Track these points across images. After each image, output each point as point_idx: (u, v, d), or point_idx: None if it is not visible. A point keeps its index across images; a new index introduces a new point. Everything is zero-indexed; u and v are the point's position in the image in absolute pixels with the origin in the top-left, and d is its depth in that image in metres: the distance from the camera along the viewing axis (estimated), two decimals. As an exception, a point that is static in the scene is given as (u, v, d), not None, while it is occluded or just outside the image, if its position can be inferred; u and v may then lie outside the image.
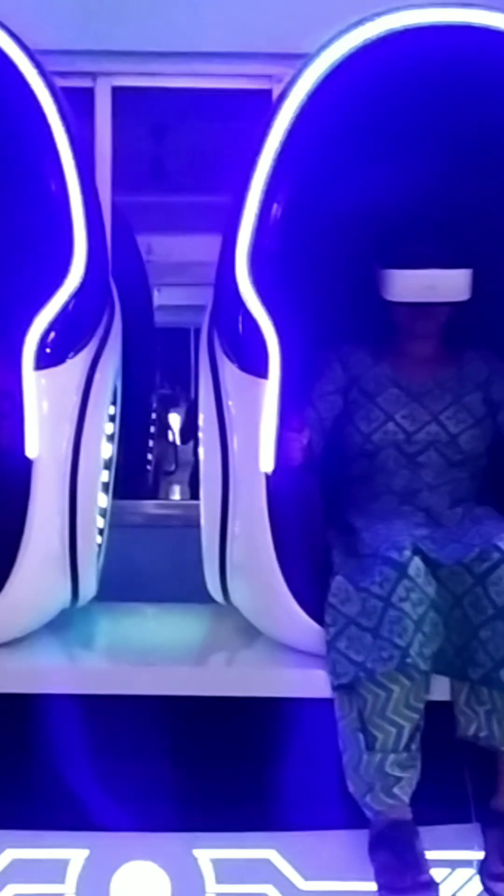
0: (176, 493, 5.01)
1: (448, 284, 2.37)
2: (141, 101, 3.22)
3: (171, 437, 5.58)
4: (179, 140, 3.97)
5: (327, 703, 2.19)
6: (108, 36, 2.97)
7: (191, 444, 5.29)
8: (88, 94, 3.06)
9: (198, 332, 2.88)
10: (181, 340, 5.56)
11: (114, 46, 3.00)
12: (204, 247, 3.18)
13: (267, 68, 2.99)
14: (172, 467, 5.42)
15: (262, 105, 3.03)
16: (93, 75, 3.04)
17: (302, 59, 2.34)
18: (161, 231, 4.28)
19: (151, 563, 2.82)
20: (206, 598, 2.51)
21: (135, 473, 3.54)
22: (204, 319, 2.48)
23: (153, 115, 3.73)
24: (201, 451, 2.39)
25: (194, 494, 2.92)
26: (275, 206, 2.32)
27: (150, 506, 3.24)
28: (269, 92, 3.01)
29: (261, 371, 2.19)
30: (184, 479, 5.04)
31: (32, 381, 2.17)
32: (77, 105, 2.58)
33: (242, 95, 3.10)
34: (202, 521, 2.38)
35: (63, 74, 2.77)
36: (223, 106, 3.21)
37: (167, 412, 5.41)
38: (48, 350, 2.20)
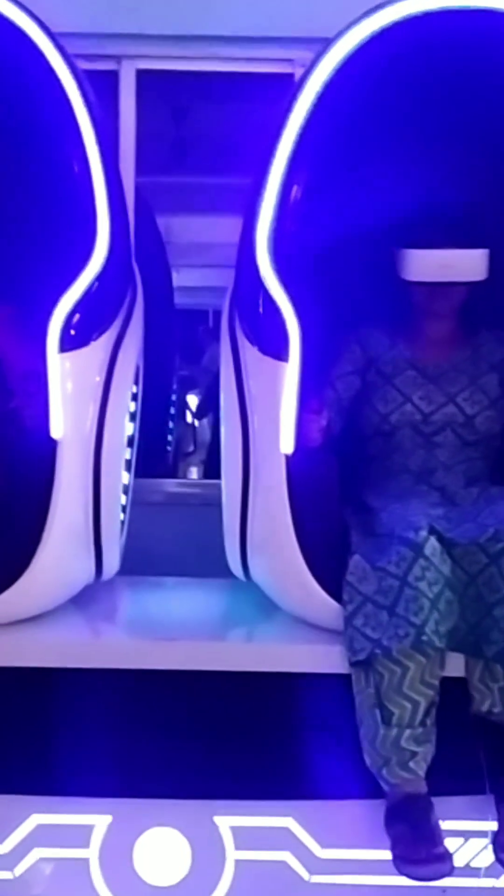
0: (194, 474, 5.07)
1: (464, 264, 2.40)
2: (164, 83, 3.25)
3: (189, 419, 5.63)
4: (200, 122, 3.99)
5: (344, 678, 2.24)
6: (133, 19, 3.00)
7: (206, 424, 5.35)
8: (113, 76, 3.09)
9: (217, 313, 2.92)
10: (199, 322, 5.60)
11: (138, 30, 3.03)
12: (222, 228, 3.22)
13: (288, 52, 3.02)
14: (191, 448, 5.47)
15: (283, 88, 3.07)
16: (117, 58, 3.07)
17: (323, 43, 2.37)
18: (180, 212, 4.31)
19: (170, 540, 2.87)
20: (224, 575, 2.56)
21: (155, 453, 3.59)
22: (224, 302, 2.52)
23: (175, 97, 3.76)
24: (222, 431, 2.44)
25: (210, 475, 2.95)
26: (294, 188, 2.35)
27: (170, 484, 3.29)
28: (290, 76, 3.04)
29: (281, 354, 2.23)
30: (202, 459, 5.10)
31: (57, 363, 2.21)
32: (102, 88, 2.62)
33: (264, 79, 3.13)
34: (223, 500, 2.43)
35: (88, 57, 2.82)
36: (245, 89, 3.24)
37: (185, 393, 5.45)
38: (72, 332, 2.24)
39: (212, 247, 3.33)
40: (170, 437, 4.06)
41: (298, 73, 3.05)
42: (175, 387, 4.21)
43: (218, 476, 2.52)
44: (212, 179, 4.07)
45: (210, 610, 2.60)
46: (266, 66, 3.09)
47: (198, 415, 5.59)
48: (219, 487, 2.69)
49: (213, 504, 2.54)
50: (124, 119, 3.07)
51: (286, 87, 2.98)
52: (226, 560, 2.52)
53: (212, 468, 3.71)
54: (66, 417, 2.23)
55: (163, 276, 3.50)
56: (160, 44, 3.05)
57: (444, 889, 2.28)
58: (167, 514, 2.99)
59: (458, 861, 2.25)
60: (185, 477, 4.83)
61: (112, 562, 2.44)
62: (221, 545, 2.51)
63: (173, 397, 4.16)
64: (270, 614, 2.47)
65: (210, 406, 5.15)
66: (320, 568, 2.27)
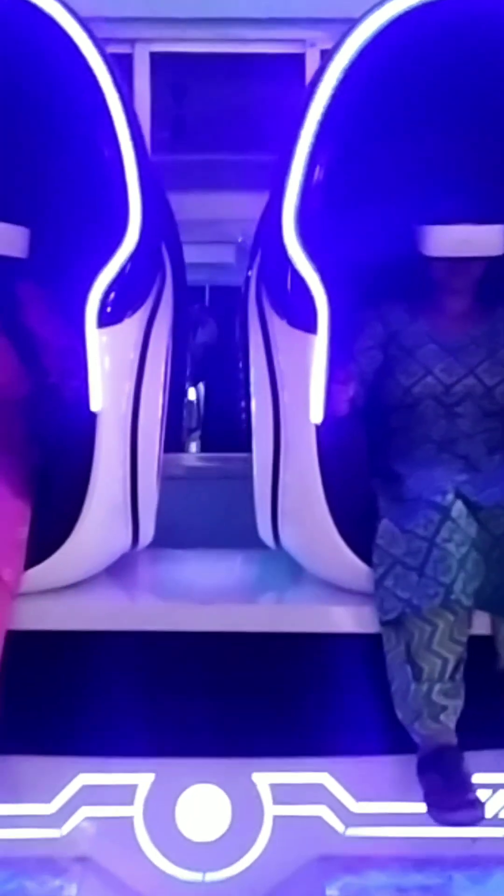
0: (193, 448, 5.13)
1: (483, 239, 2.48)
2: (169, 62, 3.30)
3: (192, 395, 5.69)
4: (200, 100, 4.02)
5: (374, 638, 2.33)
6: (146, 3, 3.07)
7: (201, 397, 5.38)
8: (127, 59, 3.15)
9: (213, 289, 2.98)
10: (196, 299, 5.63)
11: (152, 13, 3.09)
12: (219, 204, 3.27)
13: (300, 33, 3.08)
14: (194, 423, 5.54)
15: (295, 69, 3.14)
16: (132, 42, 3.13)
17: (335, 25, 2.44)
18: (176, 189, 4.34)
19: (192, 514, 2.93)
20: (246, 546, 2.63)
21: (172, 428, 3.66)
22: (249, 279, 2.58)
23: (177, 75, 3.77)
24: (253, 403, 2.52)
25: (207, 448, 2.99)
26: (318, 168, 2.42)
27: (190, 458, 3.36)
28: (302, 56, 3.10)
29: (310, 326, 2.31)
30: (200, 434, 5.14)
31: (95, 339, 2.29)
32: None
33: (276, 59, 3.19)
34: (254, 470, 2.52)
35: (103, 41, 2.89)
36: (256, 69, 3.30)
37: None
38: (108, 310, 2.32)
39: (209, 223, 3.39)
40: (184, 414, 4.13)
41: (310, 53, 3.13)
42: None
43: (212, 449, 2.58)
44: (209, 156, 4.11)
45: (240, 577, 2.69)
46: (278, 47, 3.15)
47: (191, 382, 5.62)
48: (239, 461, 2.77)
49: (234, 477, 2.63)
50: (139, 101, 3.14)
51: (298, 68, 3.07)
52: (247, 531, 2.60)
53: (206, 442, 3.74)
54: (104, 391, 2.31)
55: (175, 253, 3.56)
56: (173, 27, 3.12)
57: (473, 839, 2.37)
58: (188, 488, 3.04)
59: (488, 812, 2.31)
60: (186, 451, 4.89)
61: (147, 531, 2.53)
62: (242, 517, 2.60)
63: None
64: (299, 580, 2.56)
65: (198, 376, 5.19)
66: (350, 532, 2.35)
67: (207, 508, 2.97)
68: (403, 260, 2.59)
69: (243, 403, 3.31)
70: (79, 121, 2.41)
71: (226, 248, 3.62)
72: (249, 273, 3.09)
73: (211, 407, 3.75)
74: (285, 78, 3.25)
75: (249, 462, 2.86)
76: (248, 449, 3.03)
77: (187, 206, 2.96)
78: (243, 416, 3.31)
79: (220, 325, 3.60)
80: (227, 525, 2.78)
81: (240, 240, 3.61)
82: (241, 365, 3.42)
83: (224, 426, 3.36)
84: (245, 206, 3.41)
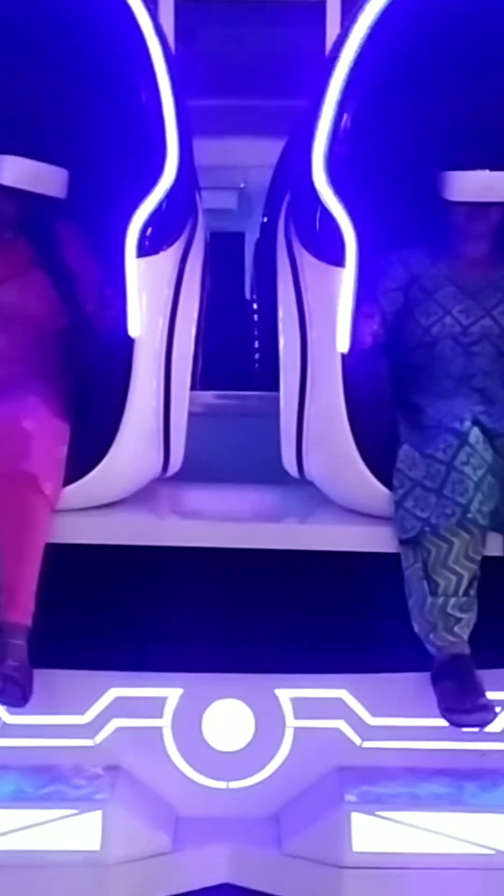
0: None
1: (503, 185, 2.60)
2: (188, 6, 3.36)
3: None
4: (215, 46, 4.01)
5: (392, 557, 2.44)
6: None
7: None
8: (153, 4, 3.24)
9: (214, 234, 3.03)
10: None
11: None
12: (222, 150, 3.32)
13: None
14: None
15: (313, 16, 3.22)
16: None
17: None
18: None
19: (210, 450, 2.94)
20: (264, 482, 2.71)
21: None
22: (266, 225, 2.66)
23: (194, 19, 3.82)
24: (280, 338, 2.64)
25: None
26: (345, 115, 2.54)
27: (208, 396, 3.38)
28: (322, 4, 3.19)
29: (338, 260, 2.43)
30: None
31: (134, 267, 2.42)
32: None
33: (295, 6, 3.26)
34: (281, 401, 2.63)
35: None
36: (274, 16, 3.36)
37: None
38: (147, 242, 2.45)
39: (212, 169, 3.42)
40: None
41: (330, 1, 3.23)
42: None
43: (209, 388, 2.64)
44: (215, 102, 4.12)
45: (264, 503, 2.79)
46: None
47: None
48: (256, 399, 2.85)
49: (251, 415, 2.70)
50: None
51: (316, 15, 3.15)
52: (265, 467, 2.70)
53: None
54: (141, 318, 2.43)
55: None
56: None
57: (482, 752, 2.49)
58: (207, 424, 3.02)
59: (497, 727, 2.44)
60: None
61: (177, 458, 2.65)
62: (260, 454, 2.69)
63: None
64: (321, 507, 2.65)
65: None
66: (373, 458, 2.47)
67: (224, 445, 3.01)
68: (426, 205, 2.70)
69: (256, 344, 3.41)
70: (120, 62, 2.52)
71: (228, 193, 3.69)
72: (264, 219, 3.21)
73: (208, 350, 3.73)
74: (303, 25, 3.31)
75: (264, 400, 2.97)
76: (255, 388, 3.12)
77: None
78: (256, 356, 3.41)
79: (221, 270, 3.61)
80: (243, 461, 2.86)
81: (242, 185, 3.69)
82: (255, 307, 3.51)
83: (225, 368, 3.38)
84: (249, 153, 3.49)
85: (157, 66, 2.48)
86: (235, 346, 3.41)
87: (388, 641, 2.45)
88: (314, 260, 2.48)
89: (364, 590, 2.48)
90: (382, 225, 2.68)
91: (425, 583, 2.37)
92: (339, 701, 2.49)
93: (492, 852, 2.30)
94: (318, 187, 2.47)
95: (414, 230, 2.77)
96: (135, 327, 2.42)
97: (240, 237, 3.68)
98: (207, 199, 2.85)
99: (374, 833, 2.30)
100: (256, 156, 2.92)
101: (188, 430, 2.71)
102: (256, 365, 3.35)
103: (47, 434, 2.39)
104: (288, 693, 2.49)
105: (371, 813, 2.32)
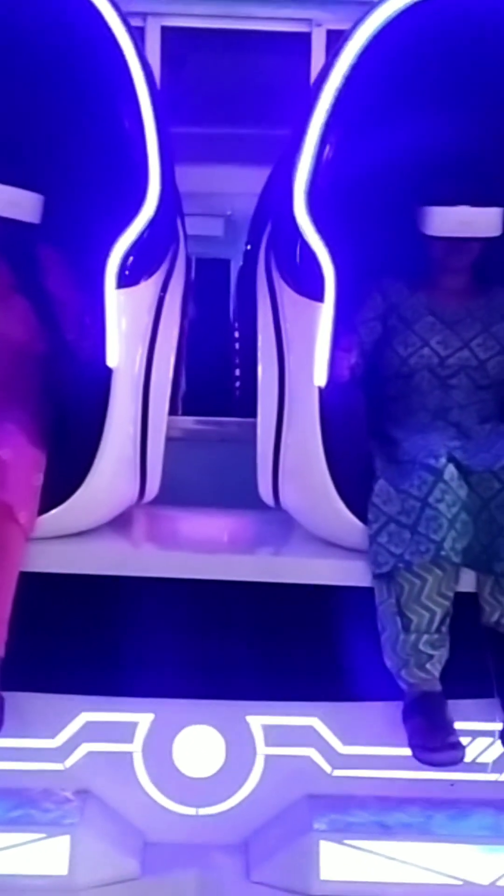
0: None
1: (481, 221, 2.62)
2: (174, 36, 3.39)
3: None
4: (203, 75, 4.06)
5: (366, 591, 2.46)
6: None
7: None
8: (139, 32, 3.25)
9: (199, 261, 3.04)
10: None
11: None
12: (209, 178, 3.35)
13: (307, 13, 3.21)
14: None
15: (299, 48, 3.25)
16: (143, 15, 3.24)
17: (342, 5, 2.54)
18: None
19: (188, 475, 2.98)
20: (241, 507, 2.73)
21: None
22: (248, 252, 2.68)
23: (181, 48, 3.83)
24: (259, 368, 2.65)
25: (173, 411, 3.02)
26: (328, 147, 2.55)
27: (188, 421, 3.42)
28: (307, 35, 3.22)
29: (317, 295, 2.44)
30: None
31: (114, 298, 2.42)
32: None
33: (281, 37, 3.30)
34: (258, 430, 2.65)
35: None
36: (260, 46, 3.39)
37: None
38: (127, 272, 2.45)
39: (199, 196, 3.40)
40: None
41: (316, 32, 3.26)
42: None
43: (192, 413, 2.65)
44: (202, 130, 4.12)
45: (239, 532, 2.81)
46: (285, 26, 3.27)
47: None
48: (236, 425, 2.87)
49: (230, 440, 2.72)
50: None
51: (301, 47, 3.18)
52: (242, 493, 2.72)
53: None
54: (119, 349, 2.44)
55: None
56: (185, 1, 3.22)
57: (452, 782, 2.53)
58: (186, 449, 3.06)
59: (466, 757, 2.45)
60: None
61: (153, 485, 2.66)
62: (237, 479, 2.71)
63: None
64: (296, 536, 2.68)
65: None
66: (348, 491, 2.48)
67: (204, 470, 3.04)
68: (405, 238, 2.72)
69: (237, 371, 3.43)
70: (103, 90, 2.51)
71: (215, 221, 3.72)
72: (247, 247, 3.22)
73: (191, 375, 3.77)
74: (288, 56, 3.35)
75: (243, 426, 2.98)
76: (235, 414, 3.14)
77: (179, 178, 3.06)
78: (237, 383, 3.43)
79: (206, 297, 3.64)
80: (220, 486, 2.88)
81: (229, 213, 3.71)
82: (236, 335, 3.54)
83: (207, 393, 3.40)
84: (236, 180, 3.51)
85: (140, 93, 2.48)
86: (219, 372, 3.42)
87: (359, 670, 2.48)
88: (293, 293, 2.49)
89: (336, 619, 2.50)
90: (362, 255, 2.71)
91: (398, 618, 2.40)
92: (311, 729, 2.52)
93: (460, 882, 2.33)
94: (299, 221, 2.48)
95: (393, 261, 2.79)
96: (113, 358, 2.43)
97: (225, 264, 3.70)
98: (194, 226, 2.86)
99: (342, 862, 2.34)
100: (243, 183, 2.92)
101: (167, 455, 2.73)
102: (237, 392, 3.37)
103: (23, 462, 2.40)
104: (259, 720, 2.52)
105: (339, 841, 2.35)
